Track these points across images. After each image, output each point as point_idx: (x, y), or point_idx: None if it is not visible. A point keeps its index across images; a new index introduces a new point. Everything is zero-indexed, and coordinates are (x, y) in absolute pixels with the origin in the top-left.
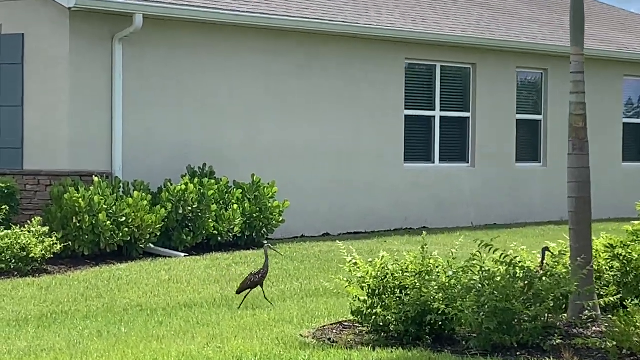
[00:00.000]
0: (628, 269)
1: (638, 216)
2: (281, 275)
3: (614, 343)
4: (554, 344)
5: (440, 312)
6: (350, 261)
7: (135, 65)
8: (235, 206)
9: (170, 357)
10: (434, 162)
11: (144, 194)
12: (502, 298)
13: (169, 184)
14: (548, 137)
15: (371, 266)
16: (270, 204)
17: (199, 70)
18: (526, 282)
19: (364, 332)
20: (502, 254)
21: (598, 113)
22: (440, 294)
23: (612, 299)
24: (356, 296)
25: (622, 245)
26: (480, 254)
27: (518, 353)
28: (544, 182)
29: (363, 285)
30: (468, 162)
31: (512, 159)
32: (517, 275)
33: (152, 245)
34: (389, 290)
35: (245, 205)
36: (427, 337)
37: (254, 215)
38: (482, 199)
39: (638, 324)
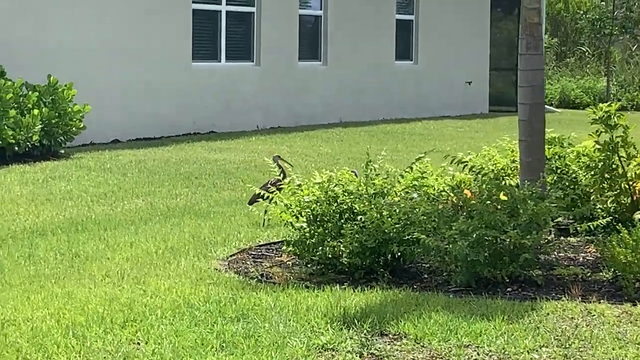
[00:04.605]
0: (567, 182)
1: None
2: (114, 191)
3: (618, 273)
4: (538, 275)
5: (405, 243)
6: (289, 182)
7: None
8: (36, 111)
9: (93, 304)
10: (220, 61)
11: None
12: (489, 225)
13: None
14: (328, 34)
15: (317, 188)
16: (70, 109)
17: None
18: (509, 206)
19: (290, 265)
20: (479, 171)
21: (372, 9)
22: (398, 220)
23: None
24: (289, 222)
25: (557, 157)
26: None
27: (510, 289)
28: (324, 83)
29: (303, 211)
30: (253, 61)
31: (295, 57)
32: (503, 199)
33: None
34: (337, 216)
35: (43, 110)
36: (382, 270)
37: (53, 121)
38: (267, 100)
39: None
